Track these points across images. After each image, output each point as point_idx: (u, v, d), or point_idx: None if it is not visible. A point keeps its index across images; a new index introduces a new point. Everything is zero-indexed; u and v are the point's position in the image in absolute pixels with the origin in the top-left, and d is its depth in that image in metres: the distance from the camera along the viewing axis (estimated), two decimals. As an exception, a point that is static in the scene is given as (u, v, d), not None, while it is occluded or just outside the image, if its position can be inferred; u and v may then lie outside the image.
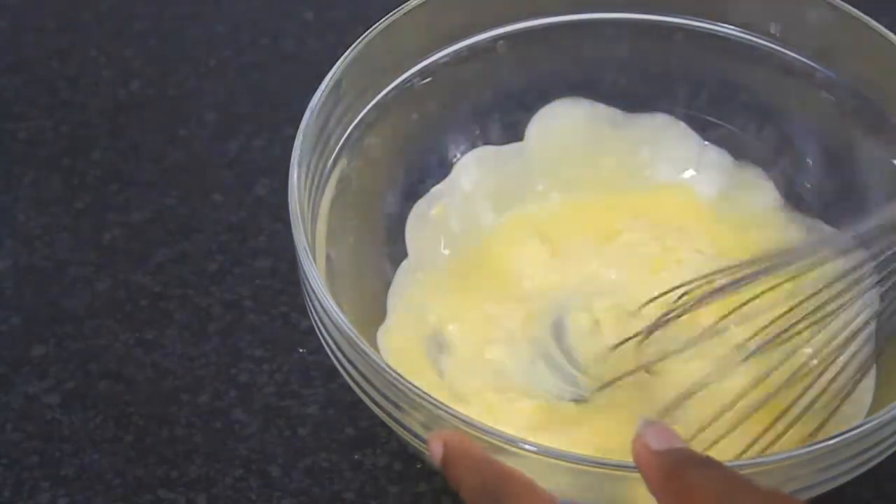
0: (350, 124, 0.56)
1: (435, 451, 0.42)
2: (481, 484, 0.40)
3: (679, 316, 0.54)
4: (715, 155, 0.63)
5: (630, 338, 0.55)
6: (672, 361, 0.55)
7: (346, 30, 0.74)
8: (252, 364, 0.60)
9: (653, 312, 0.55)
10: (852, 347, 0.52)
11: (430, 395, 0.43)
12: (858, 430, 0.44)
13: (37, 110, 0.71)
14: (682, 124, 0.63)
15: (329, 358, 0.48)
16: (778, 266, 0.53)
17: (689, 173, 0.63)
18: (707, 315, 0.55)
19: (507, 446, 0.42)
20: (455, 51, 0.59)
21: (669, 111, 0.63)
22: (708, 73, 0.61)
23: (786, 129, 0.61)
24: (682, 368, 0.55)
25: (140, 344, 0.61)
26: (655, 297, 0.55)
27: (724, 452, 0.48)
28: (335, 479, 0.56)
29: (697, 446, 0.48)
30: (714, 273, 0.54)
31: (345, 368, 0.47)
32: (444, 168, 0.61)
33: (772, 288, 0.53)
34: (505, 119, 0.62)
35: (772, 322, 0.53)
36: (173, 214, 0.66)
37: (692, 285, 0.54)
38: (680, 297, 0.54)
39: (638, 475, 0.40)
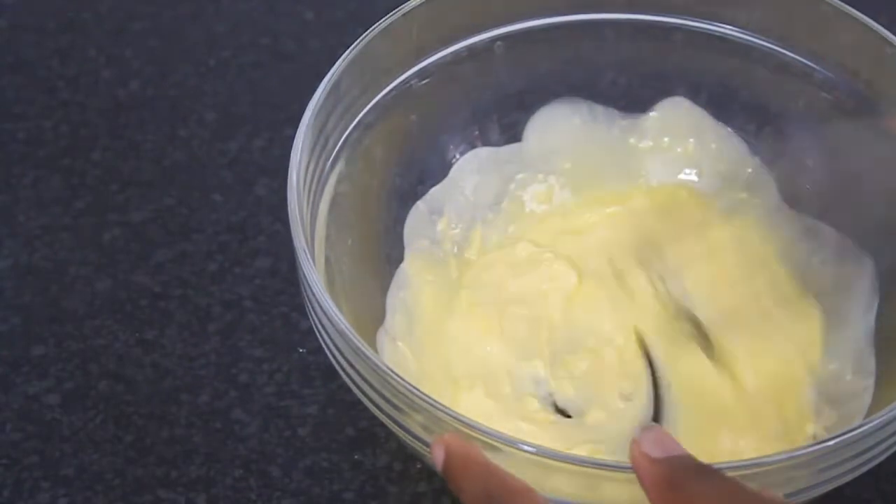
0: (349, 125, 0.56)
1: (437, 456, 0.42)
2: (482, 491, 0.40)
3: None
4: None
5: None
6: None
7: (346, 30, 0.74)
8: (252, 364, 0.60)
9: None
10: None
11: (429, 397, 0.43)
12: (858, 430, 0.44)
13: (37, 110, 0.71)
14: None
15: (329, 358, 0.48)
16: None
17: (689, 173, 0.63)
18: None
19: (506, 447, 0.42)
20: (454, 51, 0.59)
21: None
22: (707, 74, 0.61)
23: (785, 129, 0.61)
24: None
25: (140, 344, 0.61)
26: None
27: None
28: (335, 479, 0.56)
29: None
30: None
31: (344, 370, 0.47)
32: (442, 169, 0.61)
33: None
34: (503, 120, 0.62)
35: None
36: (173, 214, 0.66)
37: None
38: None
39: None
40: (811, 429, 0.53)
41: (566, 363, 0.56)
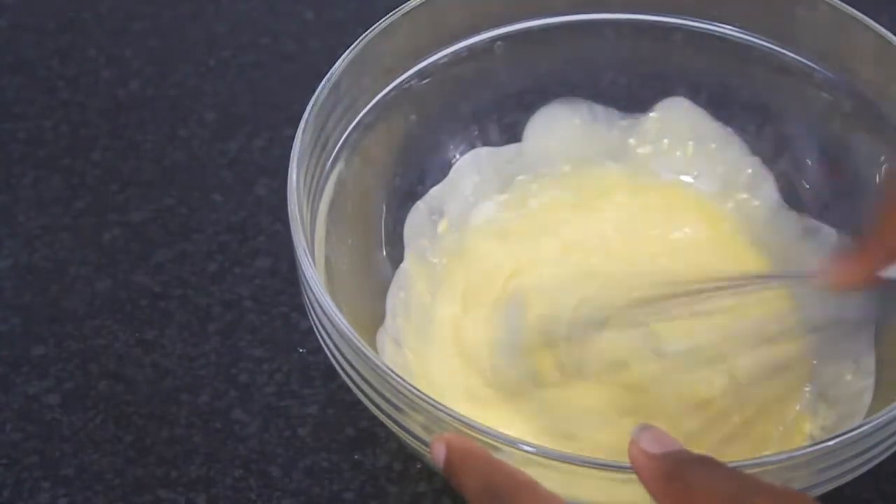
0: (349, 125, 0.56)
1: (437, 454, 0.42)
2: (485, 486, 0.40)
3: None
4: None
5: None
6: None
7: (346, 30, 0.74)
8: (252, 364, 0.60)
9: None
10: None
11: (429, 397, 0.43)
12: (858, 430, 0.44)
13: (37, 110, 0.71)
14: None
15: (329, 358, 0.48)
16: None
17: (688, 174, 0.63)
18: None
19: (505, 447, 0.42)
20: (454, 51, 0.59)
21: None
22: (707, 74, 0.61)
23: (785, 129, 0.61)
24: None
25: (140, 344, 0.61)
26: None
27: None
28: (335, 479, 0.56)
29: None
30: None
31: (344, 370, 0.47)
32: (442, 169, 0.61)
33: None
34: (503, 120, 0.62)
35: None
36: (173, 214, 0.66)
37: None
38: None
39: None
40: (809, 428, 0.53)
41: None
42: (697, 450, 0.40)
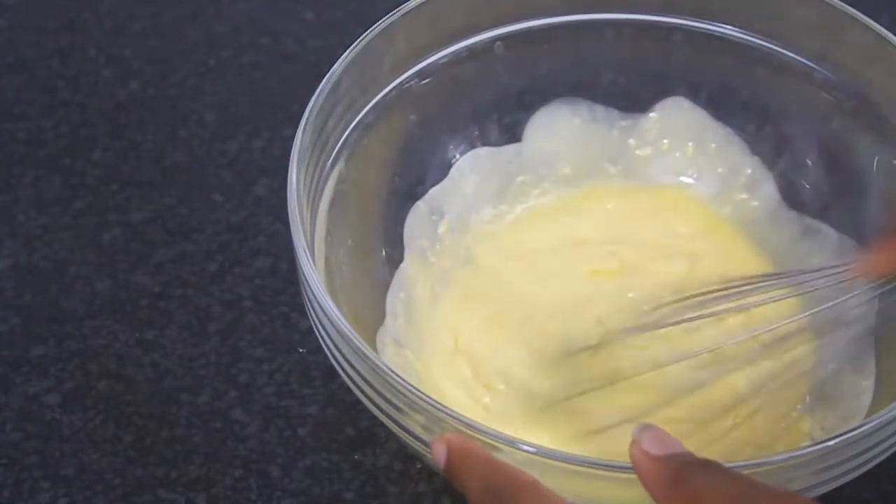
0: (349, 125, 0.56)
1: (438, 454, 0.42)
2: (486, 486, 0.40)
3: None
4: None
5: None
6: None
7: (345, 30, 0.74)
8: (252, 364, 0.60)
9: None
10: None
11: (429, 397, 0.43)
12: (858, 430, 0.44)
13: (37, 110, 0.71)
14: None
15: (329, 358, 0.48)
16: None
17: (688, 174, 0.63)
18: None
19: (505, 447, 0.42)
20: (454, 52, 0.59)
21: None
22: (707, 74, 0.61)
23: (785, 129, 0.61)
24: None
25: (140, 344, 0.61)
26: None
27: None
28: (335, 479, 0.56)
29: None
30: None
31: (344, 370, 0.47)
32: (442, 169, 0.61)
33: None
34: (503, 120, 0.62)
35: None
36: (173, 214, 0.66)
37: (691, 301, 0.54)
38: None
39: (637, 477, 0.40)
40: (809, 428, 0.53)
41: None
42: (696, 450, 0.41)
